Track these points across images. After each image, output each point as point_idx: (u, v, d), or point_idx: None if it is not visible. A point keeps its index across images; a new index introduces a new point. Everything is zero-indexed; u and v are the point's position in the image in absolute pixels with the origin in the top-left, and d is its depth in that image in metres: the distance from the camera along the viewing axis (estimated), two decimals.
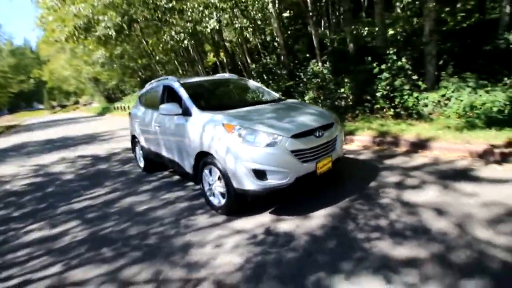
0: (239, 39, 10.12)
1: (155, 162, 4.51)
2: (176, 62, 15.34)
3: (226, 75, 4.71)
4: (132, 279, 2.06)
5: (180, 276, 2.02)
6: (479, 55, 5.69)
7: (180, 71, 15.83)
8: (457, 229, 2.17)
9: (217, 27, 7.56)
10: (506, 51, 5.42)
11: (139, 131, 4.58)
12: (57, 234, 2.89)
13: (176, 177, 4.34)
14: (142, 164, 4.86)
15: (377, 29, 7.14)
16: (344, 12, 7.64)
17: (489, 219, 2.25)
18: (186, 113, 3.17)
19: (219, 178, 2.79)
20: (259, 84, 4.35)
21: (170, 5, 9.39)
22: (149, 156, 4.42)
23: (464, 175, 3.17)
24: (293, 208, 2.81)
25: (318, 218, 2.56)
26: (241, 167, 2.47)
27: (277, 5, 8.17)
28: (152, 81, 4.68)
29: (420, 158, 3.94)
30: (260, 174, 2.45)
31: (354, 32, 7.91)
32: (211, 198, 2.98)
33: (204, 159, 2.90)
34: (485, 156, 3.72)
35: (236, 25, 8.49)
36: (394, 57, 5.84)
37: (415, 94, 5.69)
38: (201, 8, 8.41)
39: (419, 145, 4.31)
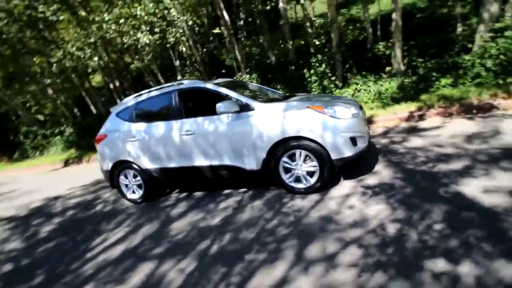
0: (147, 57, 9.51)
1: (163, 184, 3.89)
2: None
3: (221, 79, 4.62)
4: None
5: (354, 235, 2.23)
6: (366, 59, 8.19)
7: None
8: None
9: (145, 41, 6.95)
10: (376, 57, 8.14)
11: (137, 152, 3.83)
12: None
13: (198, 193, 3.95)
14: (137, 194, 4.04)
15: (290, 44, 8.77)
16: (264, 31, 8.89)
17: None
18: (245, 108, 3.17)
19: (305, 160, 3.02)
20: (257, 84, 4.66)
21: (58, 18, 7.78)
22: (160, 178, 3.80)
23: (410, 130, 4.75)
24: (354, 172, 3.39)
25: (381, 173, 3.27)
26: (340, 138, 2.88)
27: (190, 22, 8.40)
28: (141, 92, 4.05)
29: (377, 129, 5.40)
30: (354, 141, 2.93)
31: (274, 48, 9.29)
32: (293, 184, 3.13)
33: (283, 146, 3.03)
34: (410, 119, 5.62)
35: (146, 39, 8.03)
36: (317, 64, 7.50)
37: (338, 90, 7.50)
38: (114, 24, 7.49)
39: (368, 121, 5.86)
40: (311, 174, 3.07)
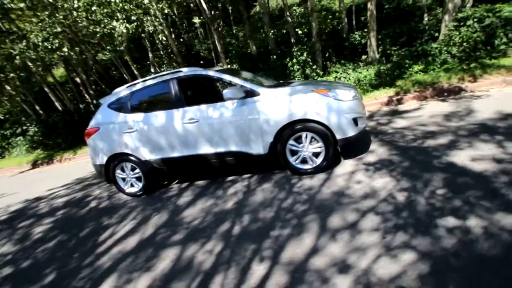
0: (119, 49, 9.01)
1: (164, 175, 3.83)
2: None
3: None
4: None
5: (368, 205, 2.43)
6: (343, 48, 8.53)
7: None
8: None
9: (124, 30, 6.54)
10: (353, 45, 8.52)
11: (135, 143, 3.72)
12: None
13: (200, 182, 3.96)
14: (137, 187, 3.94)
15: (271, 34, 8.83)
16: (244, 20, 8.83)
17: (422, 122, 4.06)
18: (251, 94, 3.22)
19: (311, 141, 3.17)
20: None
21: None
22: (162, 168, 3.74)
23: (393, 113, 5.14)
24: (352, 152, 3.62)
25: (377, 151, 3.54)
26: (344, 119, 3.06)
27: (166, 10, 8.10)
28: (134, 82, 3.91)
29: None
30: (356, 121, 3.13)
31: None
32: (300, 165, 3.28)
33: (290, 129, 3.15)
34: (390, 103, 6.04)
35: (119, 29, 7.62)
36: (299, 53, 7.68)
37: (319, 78, 7.77)
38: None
39: None
40: (316, 155, 3.23)
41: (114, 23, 6.57)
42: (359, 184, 2.82)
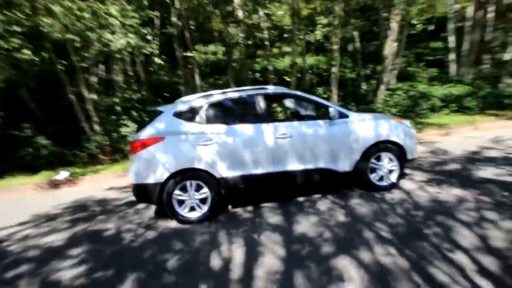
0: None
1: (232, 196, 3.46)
2: None
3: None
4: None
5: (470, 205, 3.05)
6: None
7: None
8: None
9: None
10: None
11: (212, 157, 3.29)
12: None
13: (267, 204, 3.75)
14: (199, 211, 3.38)
15: None
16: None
17: None
18: (342, 116, 3.57)
19: (389, 161, 3.68)
20: None
21: None
22: (239, 187, 3.40)
23: None
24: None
25: (412, 173, 4.36)
26: (413, 143, 3.75)
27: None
28: (209, 93, 3.60)
29: None
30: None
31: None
32: (378, 183, 3.68)
33: (374, 149, 3.58)
34: None
35: None
36: None
37: None
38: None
39: None
40: (390, 171, 3.73)
41: (107, 35, 5.79)
42: (439, 193, 3.42)
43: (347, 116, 3.62)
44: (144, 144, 3.30)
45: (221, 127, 3.40)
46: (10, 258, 3.02)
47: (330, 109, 3.46)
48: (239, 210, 3.65)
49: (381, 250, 2.38)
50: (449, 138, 6.99)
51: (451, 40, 10.60)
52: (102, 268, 2.59)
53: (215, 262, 2.50)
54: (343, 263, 2.27)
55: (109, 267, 2.60)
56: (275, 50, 13.52)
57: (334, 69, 9.27)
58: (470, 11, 9.54)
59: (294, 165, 3.48)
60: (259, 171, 3.42)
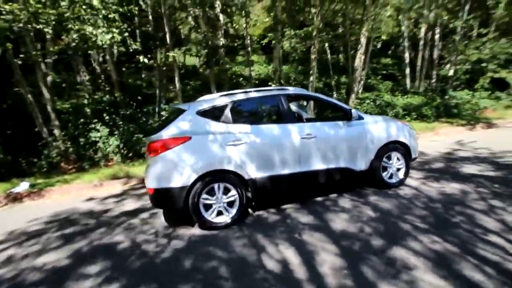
0: None
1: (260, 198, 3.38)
2: None
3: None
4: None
5: (471, 196, 3.45)
6: None
7: None
8: None
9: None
10: None
11: (242, 158, 3.16)
12: None
13: (288, 206, 3.73)
14: (227, 216, 3.19)
15: None
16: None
17: None
18: (359, 118, 3.76)
19: (397, 159, 3.97)
20: None
21: None
22: (267, 188, 3.32)
23: None
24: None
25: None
26: (416, 143, 4.11)
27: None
28: (232, 92, 3.47)
29: None
30: None
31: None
32: (389, 180, 3.94)
33: (385, 148, 3.84)
34: None
35: None
36: None
37: None
38: None
39: None
40: (398, 169, 4.02)
41: (89, 28, 5.19)
42: (443, 188, 3.79)
43: (362, 118, 3.83)
44: (168, 145, 3.03)
45: (247, 127, 3.30)
46: (6, 285, 2.45)
47: (353, 111, 3.63)
48: (263, 213, 3.54)
49: (426, 239, 2.54)
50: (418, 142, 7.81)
51: (406, 56, 12.04)
52: (141, 284, 2.27)
53: (272, 264, 2.38)
54: (400, 253, 2.36)
55: (150, 282, 2.29)
56: (254, 58, 13.70)
57: (311, 78, 9.74)
58: (422, 32, 11.06)
59: (318, 165, 3.53)
60: (286, 171, 3.39)
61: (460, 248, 2.36)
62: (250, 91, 3.59)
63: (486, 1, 11.69)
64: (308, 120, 3.74)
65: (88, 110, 7.74)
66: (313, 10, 8.82)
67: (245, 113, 3.46)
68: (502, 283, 1.91)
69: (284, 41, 10.35)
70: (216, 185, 3.14)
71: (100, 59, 9.21)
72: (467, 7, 10.73)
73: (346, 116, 3.69)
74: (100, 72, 8.40)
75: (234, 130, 3.24)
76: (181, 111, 3.25)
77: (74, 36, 5.47)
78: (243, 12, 8.20)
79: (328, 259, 2.37)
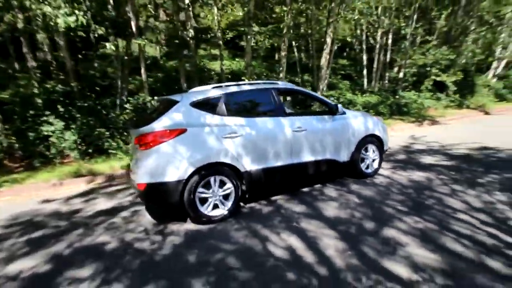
0: None
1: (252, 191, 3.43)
2: None
3: None
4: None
5: (437, 180, 3.96)
6: None
7: None
8: None
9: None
10: None
11: (238, 150, 3.15)
12: None
13: (278, 197, 3.84)
14: (223, 209, 3.17)
15: None
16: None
17: None
18: (342, 112, 4.00)
19: (373, 151, 4.34)
20: None
21: None
22: (261, 180, 3.37)
23: None
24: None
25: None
26: (387, 136, 4.53)
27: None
28: (225, 84, 3.40)
29: None
30: None
31: None
32: (366, 170, 4.28)
33: (363, 141, 4.16)
34: None
35: None
36: None
37: None
38: None
39: None
40: (373, 160, 4.39)
41: (47, 8, 4.55)
42: (413, 175, 4.26)
43: (345, 113, 4.09)
44: (162, 137, 2.88)
45: (242, 120, 3.30)
46: None
47: (339, 106, 3.86)
48: (255, 205, 3.58)
49: (410, 220, 2.86)
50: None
51: (364, 58, 13.03)
52: (148, 282, 2.15)
53: (279, 251, 2.45)
54: (391, 233, 2.62)
55: (157, 280, 2.18)
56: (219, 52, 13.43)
57: (281, 75, 9.97)
58: (378, 36, 12.13)
59: (308, 157, 3.69)
60: (279, 163, 3.48)
61: (438, 225, 2.71)
62: (242, 84, 3.59)
63: (430, 13, 13.24)
64: (296, 114, 3.88)
65: (39, 101, 6.85)
66: (284, 8, 9.00)
67: (238, 106, 3.43)
68: (478, 252, 2.26)
69: (258, 37, 10.39)
70: (212, 178, 3.09)
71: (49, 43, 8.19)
72: (415, 16, 12.00)
73: (331, 110, 3.92)
74: (51, 58, 7.46)
75: (230, 123, 3.21)
76: (173, 102, 3.11)
77: (30, 15, 4.76)
78: (216, 1, 8.02)
79: (331, 243, 2.52)
